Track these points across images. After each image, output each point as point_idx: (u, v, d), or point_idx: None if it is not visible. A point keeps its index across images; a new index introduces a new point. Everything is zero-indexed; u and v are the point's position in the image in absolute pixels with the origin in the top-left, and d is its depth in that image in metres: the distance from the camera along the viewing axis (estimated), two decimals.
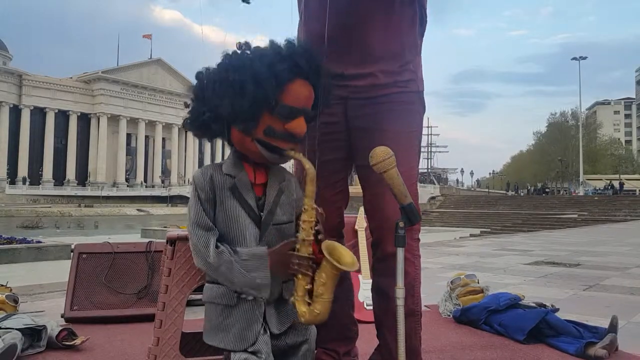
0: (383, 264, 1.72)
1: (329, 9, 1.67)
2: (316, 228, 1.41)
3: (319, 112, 1.53)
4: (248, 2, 1.68)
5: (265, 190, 1.47)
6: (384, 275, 1.70)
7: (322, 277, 1.35)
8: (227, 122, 1.42)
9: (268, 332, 1.42)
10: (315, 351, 1.87)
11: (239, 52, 1.44)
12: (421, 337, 1.76)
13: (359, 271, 2.89)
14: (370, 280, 2.86)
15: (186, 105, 1.48)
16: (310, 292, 1.36)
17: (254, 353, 1.37)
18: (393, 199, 1.43)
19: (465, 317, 2.83)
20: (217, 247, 1.40)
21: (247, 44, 1.45)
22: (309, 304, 1.36)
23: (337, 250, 1.37)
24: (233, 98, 1.38)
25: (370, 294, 2.84)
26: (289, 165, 1.61)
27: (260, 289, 1.39)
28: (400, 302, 1.41)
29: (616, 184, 48.92)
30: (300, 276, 1.37)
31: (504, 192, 59.37)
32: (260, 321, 1.41)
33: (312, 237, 1.39)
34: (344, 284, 1.91)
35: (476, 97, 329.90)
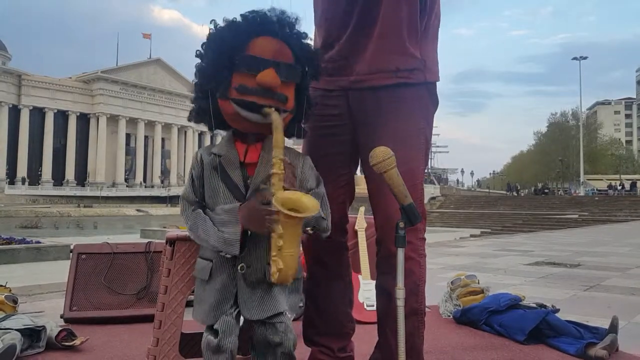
0: (387, 262, 1.67)
1: None
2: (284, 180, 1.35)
3: (304, 76, 1.49)
4: None
5: (256, 170, 1.46)
6: (388, 273, 1.67)
7: (279, 229, 1.30)
8: (212, 94, 1.43)
9: (234, 313, 1.41)
10: (310, 350, 1.86)
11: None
12: (424, 336, 1.73)
13: (359, 271, 2.88)
14: (370, 281, 2.87)
15: (192, 101, 1.51)
16: None
17: (214, 331, 1.38)
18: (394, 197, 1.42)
19: (465, 318, 2.82)
20: (194, 210, 1.45)
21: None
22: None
23: (297, 200, 1.32)
24: (205, 66, 1.43)
25: (370, 295, 2.86)
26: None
27: (229, 244, 1.37)
28: (400, 303, 1.40)
29: (626, 183, 48.79)
30: (274, 234, 1.32)
31: (505, 192, 59.34)
32: (231, 301, 1.41)
33: (282, 189, 1.34)
34: (342, 281, 1.88)
35: (477, 97, 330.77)
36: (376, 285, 1.79)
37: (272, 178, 1.34)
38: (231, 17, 1.46)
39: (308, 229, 1.43)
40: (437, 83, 1.78)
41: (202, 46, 1.46)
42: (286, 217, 1.28)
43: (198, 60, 1.47)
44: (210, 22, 1.46)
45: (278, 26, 1.43)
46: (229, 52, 1.39)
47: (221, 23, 1.45)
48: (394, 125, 1.64)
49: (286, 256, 1.30)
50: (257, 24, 1.41)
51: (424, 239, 1.72)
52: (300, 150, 1.68)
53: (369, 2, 1.63)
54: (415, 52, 1.66)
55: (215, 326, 1.39)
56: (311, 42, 1.54)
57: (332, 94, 1.71)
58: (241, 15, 1.45)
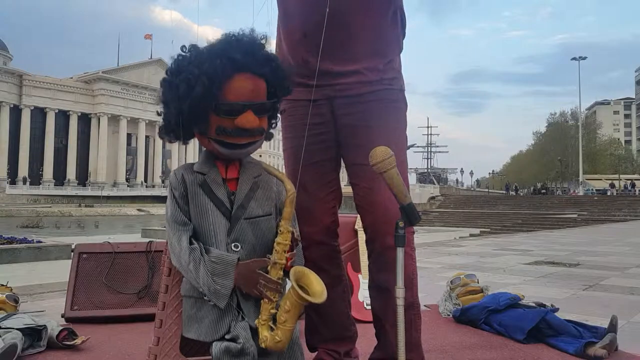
0: (382, 258, 1.71)
1: (307, 6, 1.68)
2: (289, 253, 1.39)
3: (280, 100, 1.53)
4: None
5: (238, 186, 1.48)
6: (384, 270, 1.69)
7: (286, 304, 1.31)
8: (187, 124, 1.44)
9: (246, 321, 1.39)
10: (317, 351, 1.88)
11: (182, 55, 1.45)
12: (421, 328, 1.76)
13: (358, 271, 2.89)
14: None
15: (158, 114, 1.50)
16: (275, 317, 1.34)
17: (232, 340, 1.36)
18: (389, 192, 1.44)
19: (465, 317, 2.83)
20: (190, 243, 1.43)
21: (193, 46, 1.46)
22: (272, 329, 1.34)
23: (306, 277, 1.34)
24: (177, 102, 1.41)
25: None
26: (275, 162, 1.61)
27: (218, 296, 1.38)
28: (400, 302, 1.41)
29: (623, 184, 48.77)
30: (266, 300, 1.35)
31: (503, 192, 59.32)
32: (232, 312, 1.40)
33: (284, 261, 1.37)
34: (341, 284, 1.91)
35: (476, 97, 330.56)
36: (370, 286, 1.81)
37: (277, 246, 1.38)
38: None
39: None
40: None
41: (170, 73, 1.44)
42: (297, 296, 1.29)
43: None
44: (181, 48, 1.46)
45: (251, 58, 1.41)
46: (206, 98, 1.38)
47: (188, 52, 1.44)
48: (379, 125, 1.72)
49: (288, 330, 1.32)
50: (231, 62, 1.39)
51: (414, 232, 1.76)
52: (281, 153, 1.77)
53: (347, 16, 1.68)
54: (394, 65, 1.81)
55: (233, 333, 1.36)
56: (281, 63, 1.53)
57: (316, 103, 1.76)
58: (211, 47, 1.43)
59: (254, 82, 1.43)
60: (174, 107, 1.43)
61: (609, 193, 45.85)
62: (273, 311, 1.34)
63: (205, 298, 1.41)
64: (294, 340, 1.43)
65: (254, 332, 1.38)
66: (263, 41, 1.47)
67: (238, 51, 1.41)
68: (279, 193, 1.52)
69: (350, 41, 1.70)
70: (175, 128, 1.47)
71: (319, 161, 1.79)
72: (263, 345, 1.33)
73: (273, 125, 1.57)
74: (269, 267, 1.37)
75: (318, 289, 1.33)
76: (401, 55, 1.87)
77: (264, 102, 1.46)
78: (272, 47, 1.59)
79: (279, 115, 1.59)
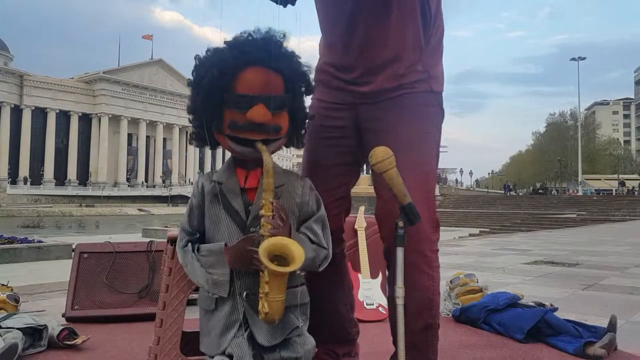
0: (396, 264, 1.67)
1: (330, 18, 1.67)
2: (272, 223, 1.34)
3: (296, 97, 1.49)
4: (293, 4, 1.63)
5: (256, 195, 1.45)
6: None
7: (265, 276, 1.30)
8: (208, 125, 1.44)
9: (245, 337, 1.37)
10: (316, 350, 1.87)
11: (204, 55, 1.45)
12: (437, 349, 1.67)
13: (358, 270, 2.89)
14: (370, 280, 2.89)
15: (190, 121, 1.51)
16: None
17: (229, 356, 1.35)
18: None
19: (464, 317, 2.84)
20: (186, 245, 1.45)
21: (215, 48, 1.45)
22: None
23: (285, 247, 1.31)
24: (193, 100, 1.43)
25: (370, 294, 2.88)
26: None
27: (218, 286, 1.38)
28: (400, 302, 1.41)
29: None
30: (261, 273, 1.33)
31: (503, 192, 59.29)
32: (236, 327, 1.39)
33: (269, 233, 1.33)
34: (342, 288, 1.87)
35: (475, 97, 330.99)
36: (388, 297, 1.74)
37: (262, 220, 1.35)
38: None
39: (301, 272, 1.41)
40: None
41: (192, 74, 1.46)
42: (269, 270, 1.28)
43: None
44: (195, 58, 1.46)
45: (265, 53, 1.39)
46: (218, 91, 1.39)
47: (208, 52, 1.44)
48: (403, 131, 1.62)
49: (272, 302, 1.30)
50: (243, 54, 1.39)
51: (438, 250, 1.64)
52: (300, 157, 1.69)
53: (373, 25, 1.63)
54: (417, 67, 1.67)
55: (228, 351, 1.36)
56: (301, 59, 1.50)
57: (338, 107, 1.72)
58: (226, 43, 1.43)
59: (267, 75, 1.41)
60: (191, 103, 1.44)
61: (614, 192, 45.67)
62: (264, 286, 1.32)
63: (212, 295, 1.41)
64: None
65: (268, 350, 1.38)
66: (281, 38, 1.45)
67: (251, 45, 1.40)
68: (302, 205, 1.48)
69: (367, 50, 1.65)
70: (200, 132, 1.47)
71: (331, 164, 1.73)
72: (260, 317, 1.32)
73: (300, 129, 1.54)
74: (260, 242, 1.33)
75: (295, 254, 1.30)
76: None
77: (276, 95, 1.41)
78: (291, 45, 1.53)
79: (308, 121, 1.55)
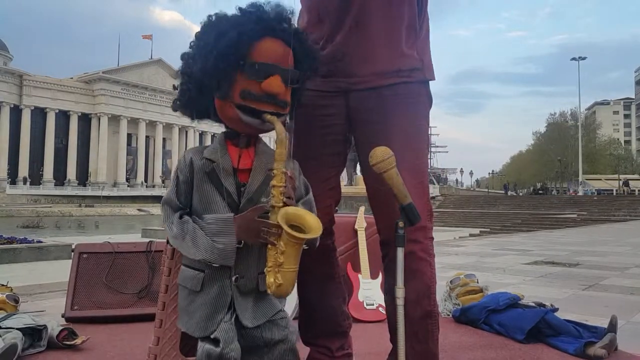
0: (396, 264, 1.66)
1: None
2: (285, 193, 1.31)
3: (304, 77, 1.47)
4: None
5: (250, 177, 1.41)
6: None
7: (280, 245, 1.27)
8: (208, 90, 1.39)
9: (232, 321, 1.36)
10: (309, 350, 1.86)
11: (213, 15, 1.42)
12: (438, 339, 1.66)
13: (358, 271, 2.89)
14: (370, 280, 2.89)
15: (174, 88, 1.47)
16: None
17: (214, 340, 1.32)
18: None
19: (464, 317, 2.83)
20: (180, 217, 1.39)
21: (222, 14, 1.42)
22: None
23: (301, 217, 1.29)
24: (204, 59, 1.36)
25: (370, 294, 2.87)
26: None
27: (224, 256, 1.32)
28: (400, 302, 1.41)
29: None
30: (270, 246, 1.29)
31: (503, 192, 59.33)
32: (224, 311, 1.36)
33: (281, 204, 1.30)
34: (334, 281, 1.86)
35: (475, 97, 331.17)
36: (385, 290, 1.75)
37: (273, 190, 1.30)
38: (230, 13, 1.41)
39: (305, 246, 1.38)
40: (435, 83, 1.78)
41: (197, 37, 1.41)
42: (290, 237, 1.25)
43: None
44: (207, 18, 1.42)
45: (280, 26, 1.38)
46: (234, 54, 1.34)
47: (211, 18, 1.41)
48: (398, 122, 1.62)
49: (287, 272, 1.27)
50: (261, 22, 1.36)
51: (433, 238, 1.66)
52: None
53: (369, 2, 1.61)
54: (413, 53, 1.67)
55: (215, 335, 1.33)
56: (307, 37, 1.49)
57: (328, 95, 1.68)
58: (240, 10, 1.40)
59: (284, 48, 1.39)
60: (199, 66, 1.37)
61: (614, 192, 45.69)
62: (279, 257, 1.28)
63: (212, 264, 1.35)
64: (292, 346, 1.40)
65: (248, 331, 1.36)
66: (291, 15, 1.44)
67: (270, 15, 1.38)
68: (296, 189, 1.43)
69: (361, 29, 1.62)
70: (194, 96, 1.41)
71: (321, 154, 1.71)
72: (269, 292, 1.28)
73: (291, 113, 1.51)
74: (269, 213, 1.31)
75: (313, 225, 1.28)
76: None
77: (293, 70, 1.40)
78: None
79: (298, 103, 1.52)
